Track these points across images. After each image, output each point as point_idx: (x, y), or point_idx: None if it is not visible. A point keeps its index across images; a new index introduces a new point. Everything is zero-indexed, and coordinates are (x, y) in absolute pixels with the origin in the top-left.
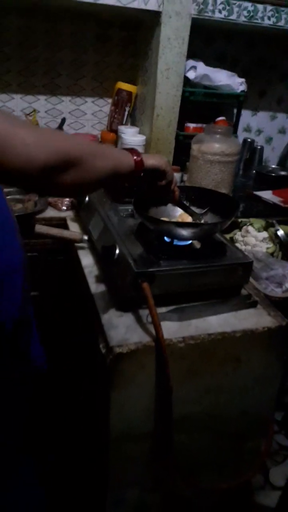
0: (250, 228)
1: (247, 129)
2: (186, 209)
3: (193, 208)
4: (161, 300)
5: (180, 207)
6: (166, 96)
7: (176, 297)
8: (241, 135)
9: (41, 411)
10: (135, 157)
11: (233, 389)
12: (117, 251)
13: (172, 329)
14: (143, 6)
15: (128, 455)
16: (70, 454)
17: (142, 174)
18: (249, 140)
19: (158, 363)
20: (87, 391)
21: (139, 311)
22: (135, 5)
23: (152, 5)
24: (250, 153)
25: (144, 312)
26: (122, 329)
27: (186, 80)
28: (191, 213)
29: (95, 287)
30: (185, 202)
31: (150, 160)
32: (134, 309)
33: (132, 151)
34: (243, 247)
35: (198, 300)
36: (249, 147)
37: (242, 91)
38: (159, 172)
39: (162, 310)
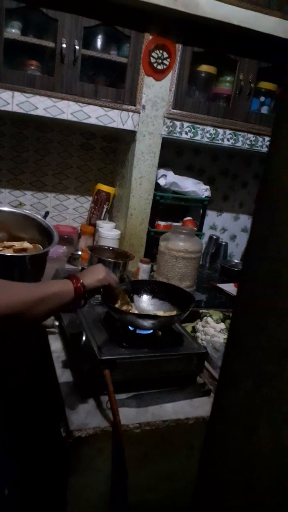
0: (209, 319)
1: (213, 227)
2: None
3: (155, 300)
4: (121, 386)
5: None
6: (139, 199)
7: (136, 383)
8: (208, 232)
9: None
10: (75, 285)
11: (187, 476)
12: (84, 338)
13: (130, 415)
14: (121, 126)
15: None
16: None
17: (86, 294)
18: (214, 237)
19: (114, 448)
20: (44, 476)
21: (100, 397)
22: (114, 125)
23: (128, 126)
24: (215, 248)
25: (105, 398)
26: (82, 414)
27: (157, 186)
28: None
29: (61, 372)
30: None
31: (92, 280)
32: (96, 394)
33: (73, 277)
34: (203, 337)
35: (157, 387)
36: (214, 242)
37: (207, 196)
38: (105, 287)
39: (122, 396)
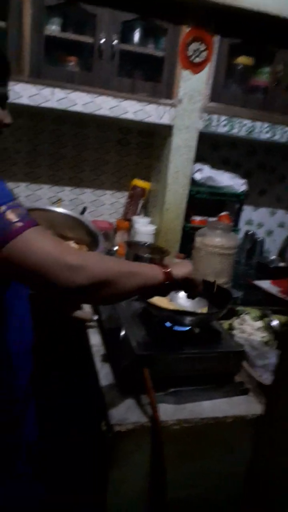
0: (246, 317)
1: (249, 223)
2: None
3: None
4: (159, 382)
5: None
6: (175, 193)
7: (173, 380)
8: (244, 227)
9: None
10: (164, 270)
11: (224, 474)
12: (122, 333)
13: (168, 412)
14: (157, 121)
15: None
16: None
17: (171, 284)
18: (250, 232)
19: (153, 444)
20: (83, 470)
21: (139, 392)
22: (150, 120)
23: (165, 120)
24: (251, 244)
25: (144, 395)
26: (122, 408)
27: (193, 180)
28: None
29: (101, 366)
30: None
31: (180, 271)
32: (135, 390)
33: (161, 264)
34: (240, 335)
35: (194, 384)
36: (250, 238)
37: (243, 191)
38: (189, 281)
39: (160, 392)
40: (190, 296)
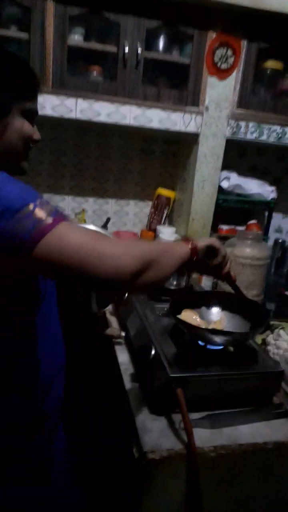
0: (282, 332)
1: (279, 230)
2: (236, 290)
3: (225, 312)
4: (193, 405)
5: (231, 286)
6: (201, 203)
7: (208, 402)
8: (273, 235)
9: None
10: (190, 246)
11: (264, 502)
12: (153, 352)
13: (204, 437)
14: (183, 129)
15: None
16: None
17: (197, 256)
18: (280, 240)
19: (189, 472)
20: (114, 497)
21: (171, 415)
22: (176, 128)
23: (191, 128)
24: (281, 252)
25: (176, 417)
26: (155, 433)
27: (220, 188)
28: (240, 295)
29: (130, 386)
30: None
31: (203, 242)
32: (167, 412)
33: (186, 239)
34: (275, 351)
35: (230, 406)
36: (280, 247)
37: (272, 198)
38: (213, 249)
39: (194, 415)
40: (215, 274)
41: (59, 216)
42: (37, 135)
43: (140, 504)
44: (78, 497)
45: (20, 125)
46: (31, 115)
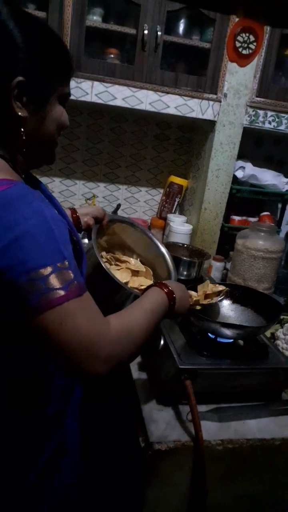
0: None
1: None
2: None
3: (236, 305)
4: (201, 397)
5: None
6: (215, 192)
7: (216, 395)
8: (285, 228)
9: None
10: (165, 290)
11: (270, 498)
12: (162, 342)
13: (211, 430)
14: (200, 116)
15: None
16: None
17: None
18: None
19: (195, 464)
20: (118, 486)
21: (179, 406)
22: (193, 115)
23: (208, 115)
24: None
25: (183, 408)
26: (162, 424)
27: (235, 178)
28: None
29: (137, 375)
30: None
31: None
32: (175, 403)
33: (159, 284)
34: (284, 345)
35: (238, 400)
36: None
37: (287, 190)
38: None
39: (202, 408)
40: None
41: (73, 290)
42: (68, 122)
43: (145, 495)
44: (83, 487)
45: (60, 113)
46: (66, 99)
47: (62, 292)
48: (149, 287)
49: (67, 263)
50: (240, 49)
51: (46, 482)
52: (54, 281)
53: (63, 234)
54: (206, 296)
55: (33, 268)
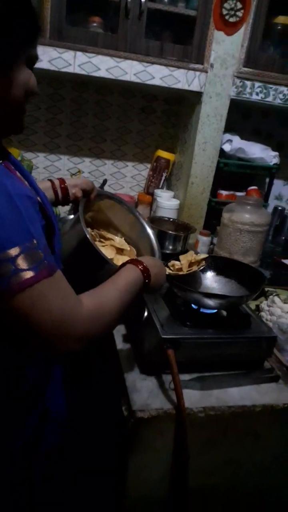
0: (276, 298)
1: (279, 198)
2: None
3: (220, 277)
4: (184, 367)
5: None
6: (202, 166)
7: (199, 364)
8: (272, 202)
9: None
10: (140, 267)
11: (251, 464)
12: (146, 314)
13: (193, 398)
14: (186, 87)
15: None
16: None
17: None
18: (279, 208)
19: (177, 431)
20: (104, 451)
21: (162, 376)
22: (179, 86)
23: (194, 87)
24: (280, 220)
25: (167, 377)
26: (144, 393)
27: (222, 152)
28: None
29: (122, 346)
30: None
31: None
32: (158, 373)
33: (134, 261)
34: (268, 317)
35: (221, 369)
36: (279, 214)
37: (275, 164)
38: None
39: (185, 377)
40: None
41: (43, 270)
42: (37, 88)
43: (127, 461)
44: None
45: (28, 77)
46: (34, 63)
47: (32, 273)
48: (123, 264)
49: (35, 242)
50: (227, 17)
51: (32, 446)
52: (23, 262)
53: (29, 211)
54: (190, 265)
55: (0, 249)
